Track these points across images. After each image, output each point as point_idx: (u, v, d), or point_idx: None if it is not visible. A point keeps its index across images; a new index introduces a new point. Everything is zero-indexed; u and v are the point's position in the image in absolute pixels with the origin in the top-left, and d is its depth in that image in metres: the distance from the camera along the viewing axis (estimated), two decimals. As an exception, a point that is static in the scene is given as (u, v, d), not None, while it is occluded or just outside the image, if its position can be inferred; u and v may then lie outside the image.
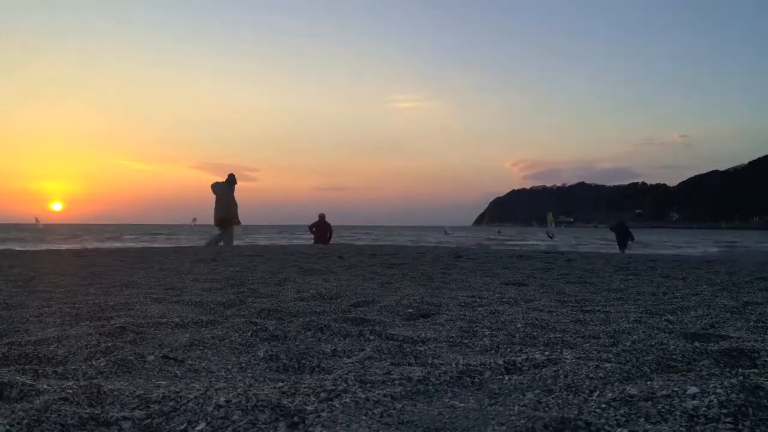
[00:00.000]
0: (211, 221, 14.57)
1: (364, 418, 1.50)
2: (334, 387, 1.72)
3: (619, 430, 1.39)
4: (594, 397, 1.65)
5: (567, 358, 2.11)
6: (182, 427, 1.46)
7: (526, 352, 2.35)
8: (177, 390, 1.70)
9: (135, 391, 1.69)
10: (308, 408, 1.55)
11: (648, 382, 1.78)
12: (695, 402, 1.52)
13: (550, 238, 33.56)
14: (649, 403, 1.54)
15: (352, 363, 2.19)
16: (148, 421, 1.49)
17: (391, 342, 2.59)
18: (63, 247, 18.77)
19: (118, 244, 20.79)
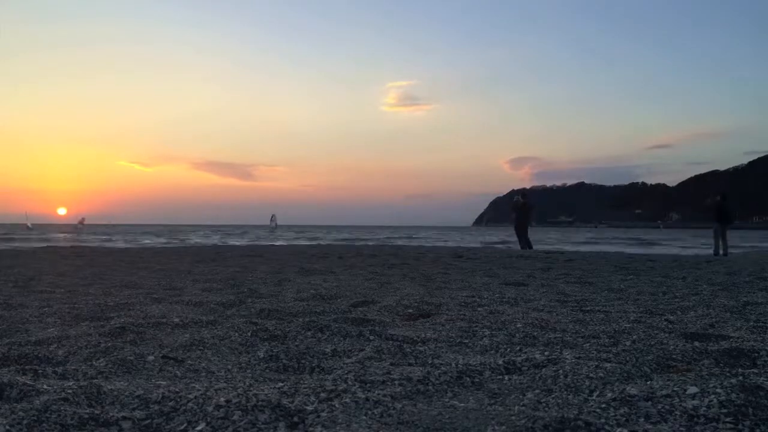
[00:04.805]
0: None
1: (364, 418, 1.50)
2: (334, 387, 1.72)
3: (619, 430, 1.39)
4: (594, 397, 1.65)
5: (567, 358, 2.11)
6: (182, 427, 1.46)
7: (526, 352, 2.35)
8: (177, 390, 1.70)
9: (135, 391, 1.69)
10: (308, 408, 1.55)
11: (648, 382, 1.78)
12: (695, 402, 1.52)
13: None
14: (649, 403, 1.55)
15: (352, 363, 2.19)
16: (148, 421, 1.49)
17: (391, 342, 2.59)
18: (63, 245, 18.75)
19: (118, 244, 20.79)
